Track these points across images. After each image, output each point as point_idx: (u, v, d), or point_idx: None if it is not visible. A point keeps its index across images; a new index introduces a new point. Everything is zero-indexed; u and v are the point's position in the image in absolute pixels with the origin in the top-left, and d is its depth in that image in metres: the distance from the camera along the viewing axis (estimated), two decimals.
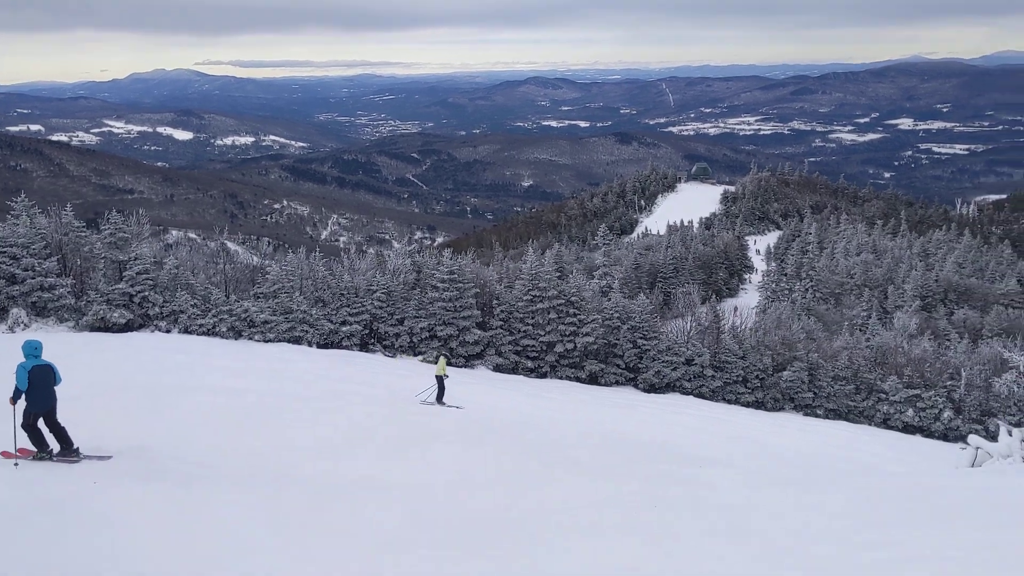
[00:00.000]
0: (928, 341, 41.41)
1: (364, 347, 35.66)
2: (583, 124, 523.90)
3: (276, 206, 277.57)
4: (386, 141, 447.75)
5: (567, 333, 36.95)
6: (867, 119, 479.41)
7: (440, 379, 22.76)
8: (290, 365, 27.70)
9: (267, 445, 14.64)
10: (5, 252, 30.35)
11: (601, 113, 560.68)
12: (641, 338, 37.34)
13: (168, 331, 32.14)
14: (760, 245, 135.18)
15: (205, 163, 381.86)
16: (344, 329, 34.75)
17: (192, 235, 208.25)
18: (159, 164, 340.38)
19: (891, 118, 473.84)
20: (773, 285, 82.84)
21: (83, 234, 32.83)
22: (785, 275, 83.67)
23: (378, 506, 11.02)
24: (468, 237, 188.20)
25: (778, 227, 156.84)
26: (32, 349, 11.11)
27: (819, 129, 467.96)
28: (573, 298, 37.23)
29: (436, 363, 23.20)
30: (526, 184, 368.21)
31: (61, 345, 25.67)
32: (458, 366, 36.23)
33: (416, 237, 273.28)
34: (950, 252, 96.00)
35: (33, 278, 30.14)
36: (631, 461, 17.42)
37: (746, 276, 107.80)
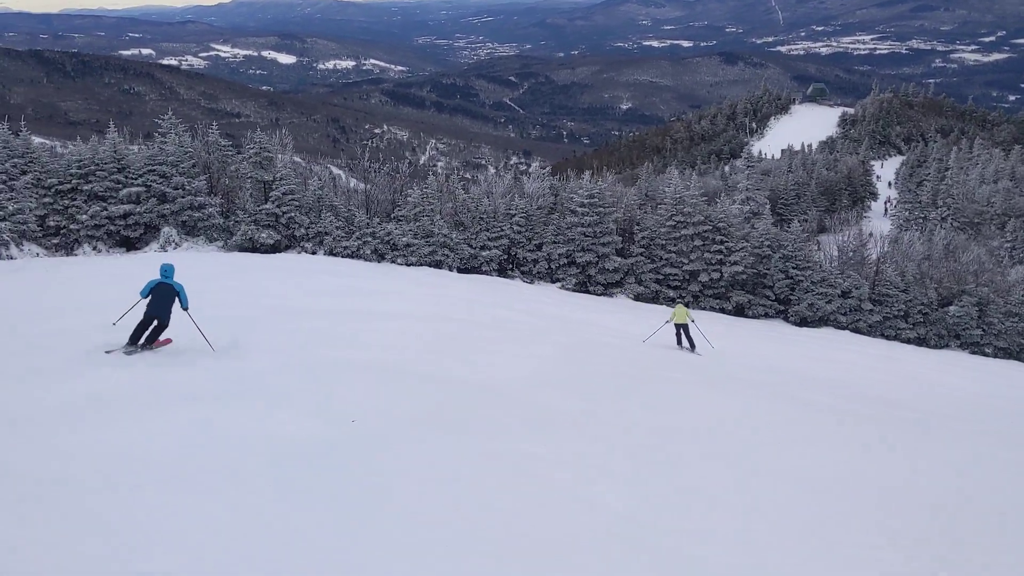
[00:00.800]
0: None
1: (502, 272, 34.77)
2: (686, 44, 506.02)
3: (376, 131, 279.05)
4: (484, 64, 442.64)
5: (713, 262, 35.21)
6: (993, 38, 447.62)
7: (683, 326, 21.58)
8: (447, 291, 26.95)
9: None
10: (155, 171, 30.31)
11: (705, 32, 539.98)
12: (794, 268, 35.29)
13: (314, 252, 31.85)
14: (882, 171, 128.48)
15: (308, 87, 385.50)
16: (484, 254, 33.87)
17: (297, 159, 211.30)
18: (264, 88, 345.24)
19: (1020, 36, 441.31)
20: (906, 213, 78.42)
21: (229, 153, 32.56)
22: (920, 202, 79.05)
23: None
24: (567, 161, 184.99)
25: (900, 152, 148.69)
26: (163, 269, 12.86)
27: (940, 49, 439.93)
28: (720, 224, 35.33)
29: (679, 308, 22.07)
30: (625, 107, 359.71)
31: (213, 265, 25.48)
32: (596, 294, 35.09)
33: (512, 162, 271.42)
34: None
35: (183, 196, 30.09)
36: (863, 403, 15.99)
37: (870, 203, 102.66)
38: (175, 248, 29.62)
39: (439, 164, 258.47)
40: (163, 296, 12.53)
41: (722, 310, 35.39)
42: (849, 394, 18.31)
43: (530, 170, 38.25)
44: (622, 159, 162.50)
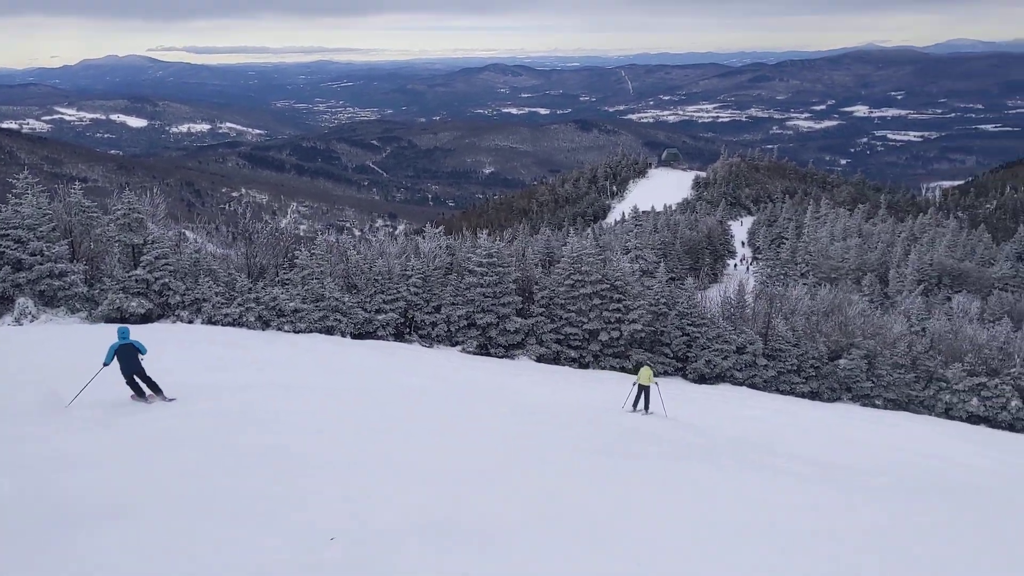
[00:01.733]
0: (992, 326, 39.88)
1: (400, 336, 32.96)
2: (543, 111, 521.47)
3: (234, 194, 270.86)
4: (345, 128, 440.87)
5: (611, 320, 34.63)
6: (823, 106, 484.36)
7: (644, 388, 22.16)
8: (350, 360, 24.99)
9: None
10: (8, 235, 27.06)
11: (561, 100, 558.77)
12: (690, 325, 35.15)
13: (191, 321, 29.10)
14: (737, 230, 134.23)
15: (160, 151, 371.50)
16: (380, 318, 32.02)
17: (151, 225, 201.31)
18: (113, 152, 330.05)
19: (847, 105, 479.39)
20: (768, 270, 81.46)
21: (95, 215, 29.56)
22: (780, 259, 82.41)
23: None
24: (435, 224, 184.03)
25: (750, 212, 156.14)
26: (121, 332, 14.25)
27: (776, 116, 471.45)
28: (617, 282, 34.88)
29: (640, 372, 22.71)
30: (487, 171, 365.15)
31: (76, 339, 22.59)
32: (498, 356, 33.80)
33: (377, 225, 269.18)
34: (938, 236, 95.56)
35: (42, 264, 26.92)
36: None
37: (729, 261, 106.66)
38: (31, 320, 26.32)
39: (302, 227, 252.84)
40: (129, 355, 13.95)
41: (623, 369, 34.73)
42: (831, 464, 17.66)
43: (425, 229, 36.81)
44: (491, 221, 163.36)
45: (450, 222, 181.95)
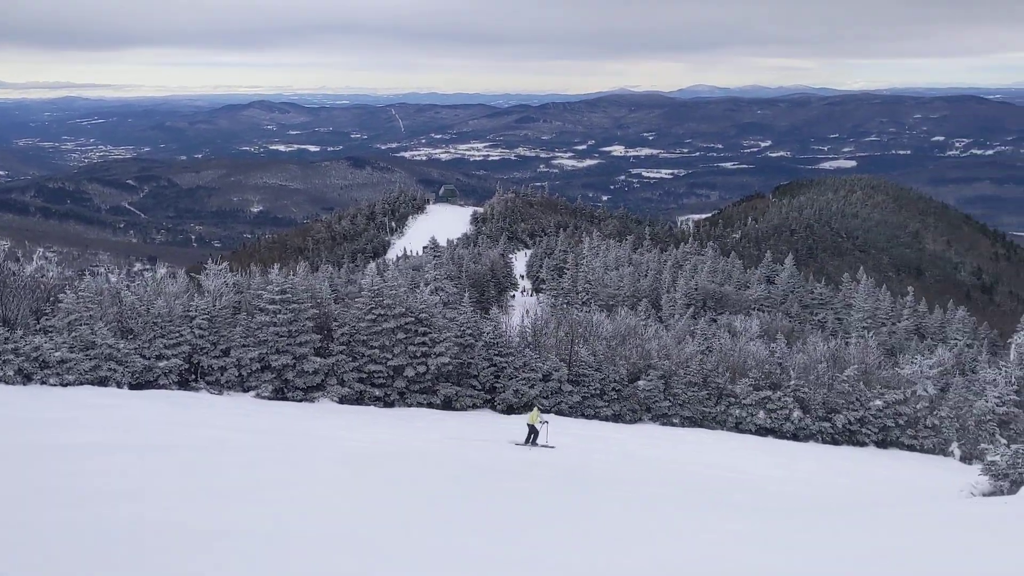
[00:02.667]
0: (773, 342, 42.53)
1: (184, 384, 29.95)
2: (313, 148, 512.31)
3: None
4: (97, 167, 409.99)
5: (417, 355, 33.46)
6: (584, 146, 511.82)
7: (532, 427, 24.41)
8: (123, 411, 22.08)
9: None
10: None
11: (331, 138, 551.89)
12: (497, 355, 34.72)
13: None
14: (516, 263, 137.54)
15: None
16: (161, 364, 28.93)
17: None
18: None
19: (605, 145, 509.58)
20: (552, 299, 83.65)
21: None
22: (563, 289, 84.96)
23: None
24: (200, 265, 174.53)
25: (527, 245, 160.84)
26: None
27: (543, 155, 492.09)
28: (422, 315, 33.83)
29: (530, 413, 25.40)
30: (256, 210, 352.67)
31: None
32: (296, 400, 31.61)
33: (136, 269, 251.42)
34: (699, 264, 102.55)
35: None
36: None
37: (512, 293, 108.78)
38: None
39: (50, 274, 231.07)
40: None
41: (430, 404, 33.61)
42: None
43: (207, 266, 33.93)
44: (263, 260, 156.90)
45: (191, 268, 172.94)
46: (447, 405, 33.97)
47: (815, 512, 13.84)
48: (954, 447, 33.50)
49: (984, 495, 15.86)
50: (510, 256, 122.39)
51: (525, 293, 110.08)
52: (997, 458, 15.57)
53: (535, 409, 25.47)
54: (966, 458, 34.10)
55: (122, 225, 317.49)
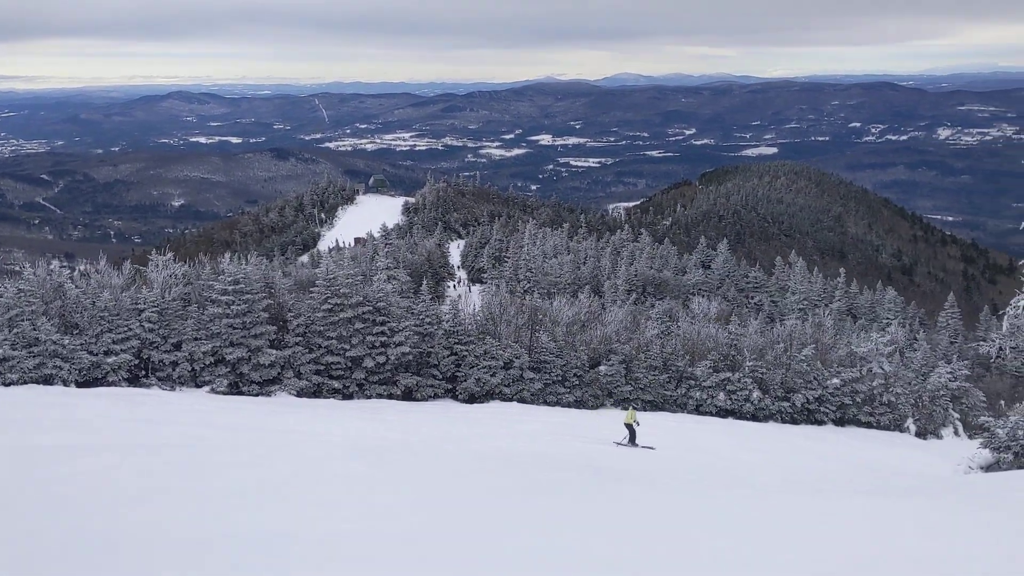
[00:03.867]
0: (729, 325, 42.70)
1: (135, 381, 28.48)
2: (235, 140, 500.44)
3: None
4: (9, 162, 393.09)
5: (376, 345, 32.54)
6: (512, 135, 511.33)
7: (630, 426, 24.26)
8: (75, 412, 20.70)
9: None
10: None
11: (254, 129, 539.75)
12: (458, 343, 34.01)
13: None
14: (451, 253, 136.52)
15: None
16: (109, 361, 27.44)
17: None
18: None
19: (533, 134, 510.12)
20: (495, 287, 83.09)
21: None
22: (504, 277, 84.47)
23: None
24: (124, 261, 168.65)
25: (460, 236, 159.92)
26: None
27: (471, 145, 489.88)
28: (380, 304, 32.89)
29: (626, 412, 25.19)
30: (177, 204, 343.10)
31: None
32: (252, 394, 30.41)
33: (53, 267, 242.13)
34: (636, 251, 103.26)
35: None
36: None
37: (449, 283, 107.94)
38: None
39: None
40: None
41: (390, 396, 32.74)
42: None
43: (152, 256, 32.41)
44: (189, 254, 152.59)
45: (142, 258, 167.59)
46: (408, 396, 33.15)
47: (843, 496, 13.59)
48: (909, 423, 34.16)
49: (983, 469, 15.90)
50: (446, 246, 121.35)
51: (462, 283, 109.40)
52: (999, 431, 15.59)
53: (631, 408, 25.60)
54: (921, 433, 34.87)
55: (36, 221, 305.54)
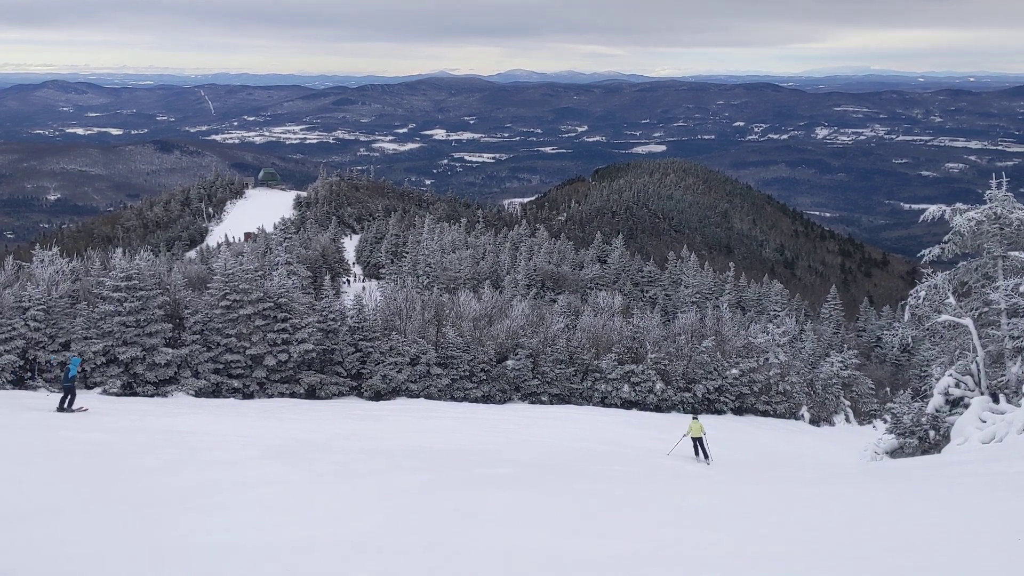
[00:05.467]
0: (630, 318, 43.23)
1: (20, 383, 26.75)
2: (115, 132, 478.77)
3: None
4: None
5: (278, 342, 31.57)
6: (405, 130, 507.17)
7: (698, 440, 22.17)
8: None
9: None
10: None
11: (135, 120, 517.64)
12: (363, 340, 33.34)
13: None
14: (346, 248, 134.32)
15: None
16: None
17: None
18: None
19: (427, 129, 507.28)
20: (394, 283, 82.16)
21: None
22: (402, 272, 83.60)
23: None
24: (6, 257, 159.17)
25: (355, 231, 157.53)
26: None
27: (363, 139, 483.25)
28: (282, 300, 31.91)
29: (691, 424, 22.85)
30: (53, 198, 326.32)
31: None
32: (147, 395, 29.03)
33: None
34: (534, 246, 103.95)
35: None
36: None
37: (345, 278, 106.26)
38: None
39: None
40: None
41: (292, 394, 31.83)
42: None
43: (35, 251, 30.50)
44: (68, 250, 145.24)
45: (19, 254, 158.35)
46: (311, 394, 32.33)
47: (759, 483, 13.84)
48: (804, 411, 35.43)
49: (888, 455, 16.53)
50: (341, 241, 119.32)
51: (358, 279, 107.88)
52: (905, 417, 16.22)
53: (696, 420, 22.99)
54: (815, 421, 36.25)
55: None
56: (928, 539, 7.38)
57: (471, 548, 7.78)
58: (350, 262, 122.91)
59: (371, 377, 33.21)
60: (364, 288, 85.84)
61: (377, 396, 33.37)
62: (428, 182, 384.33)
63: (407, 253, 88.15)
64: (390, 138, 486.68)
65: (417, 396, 33.92)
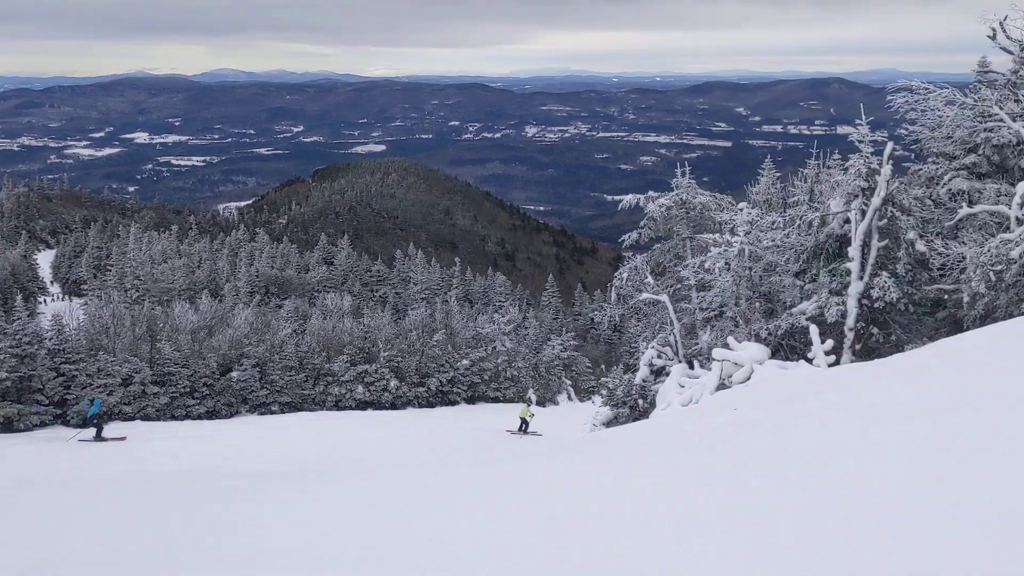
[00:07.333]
0: (361, 318, 42.63)
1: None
2: None
3: None
4: None
5: None
6: (102, 133, 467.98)
7: (524, 419, 28.58)
8: None
9: None
10: None
11: None
12: (65, 363, 30.20)
13: None
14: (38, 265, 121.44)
15: None
16: None
17: None
18: None
19: (127, 132, 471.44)
20: (97, 299, 75.46)
21: None
22: (108, 286, 77.07)
23: None
24: None
25: (48, 245, 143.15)
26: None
27: (53, 145, 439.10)
28: None
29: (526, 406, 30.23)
30: None
31: None
32: None
33: None
34: (255, 251, 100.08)
35: None
36: None
37: (42, 298, 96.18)
38: None
39: None
40: None
41: None
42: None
43: None
44: None
45: None
46: (8, 427, 28.78)
47: (505, 460, 14.20)
48: (531, 393, 37.14)
49: (605, 425, 17.71)
50: (33, 257, 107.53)
51: (56, 298, 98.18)
52: (617, 391, 17.44)
53: (525, 405, 30.35)
54: (541, 401, 38.11)
55: None
56: (637, 490, 7.93)
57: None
58: (46, 280, 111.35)
59: (78, 403, 30.22)
60: (66, 306, 78.09)
61: (85, 423, 30.41)
62: (132, 189, 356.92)
63: (112, 266, 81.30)
64: (85, 143, 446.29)
65: (132, 419, 31.37)
